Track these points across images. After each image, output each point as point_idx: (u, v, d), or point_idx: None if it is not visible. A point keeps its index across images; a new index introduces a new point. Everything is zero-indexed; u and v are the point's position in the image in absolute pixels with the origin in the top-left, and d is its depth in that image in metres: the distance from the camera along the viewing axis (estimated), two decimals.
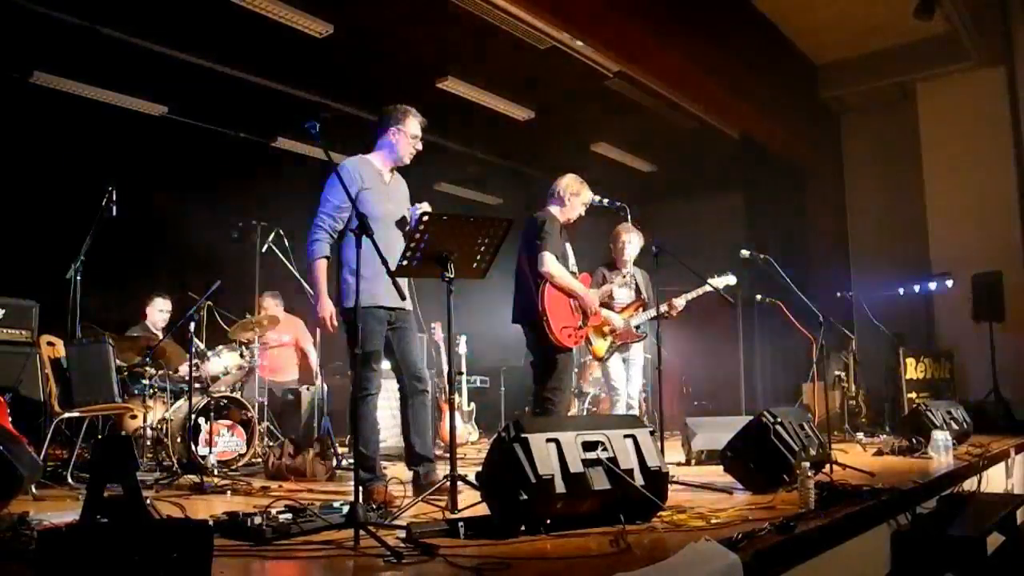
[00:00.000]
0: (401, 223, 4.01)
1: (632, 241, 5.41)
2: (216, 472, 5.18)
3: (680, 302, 5.23)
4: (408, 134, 4.02)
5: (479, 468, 2.96)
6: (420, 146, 4.09)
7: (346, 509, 2.83)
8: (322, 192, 3.91)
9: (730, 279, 5.35)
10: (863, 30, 9.05)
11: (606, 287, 5.22)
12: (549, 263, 4.47)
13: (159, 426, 5.48)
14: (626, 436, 2.99)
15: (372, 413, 3.94)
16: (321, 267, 3.86)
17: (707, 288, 5.17)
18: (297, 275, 5.82)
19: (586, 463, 2.81)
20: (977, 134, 9.30)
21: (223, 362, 5.92)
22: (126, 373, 5.57)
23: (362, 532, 2.60)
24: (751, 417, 4.03)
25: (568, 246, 4.75)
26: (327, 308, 3.85)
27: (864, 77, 9.89)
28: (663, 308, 5.11)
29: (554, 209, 4.72)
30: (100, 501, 2.11)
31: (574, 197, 4.73)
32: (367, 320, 3.74)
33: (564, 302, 4.56)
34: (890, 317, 8.60)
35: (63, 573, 1.85)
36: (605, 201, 4.76)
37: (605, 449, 2.89)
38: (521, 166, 10.15)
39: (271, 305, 6.73)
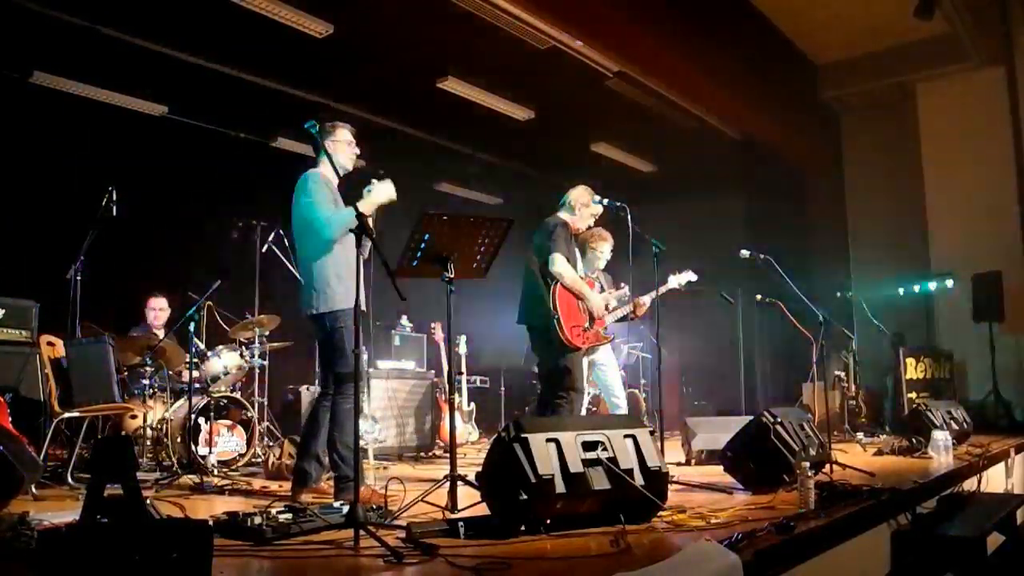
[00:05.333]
0: None
1: (607, 250, 5.38)
2: (216, 472, 5.18)
3: (646, 300, 5.18)
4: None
5: (479, 468, 2.96)
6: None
7: (346, 509, 2.83)
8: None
9: (691, 275, 5.31)
10: (863, 30, 9.03)
11: (604, 294, 5.23)
12: (560, 263, 4.58)
13: (159, 426, 5.47)
14: (626, 436, 2.99)
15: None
16: None
17: (670, 286, 5.17)
18: (296, 275, 5.81)
19: (586, 463, 2.81)
20: (977, 134, 9.27)
21: (223, 362, 5.91)
22: (126, 373, 5.57)
23: (362, 532, 2.60)
24: (751, 417, 4.04)
25: (577, 252, 4.90)
26: None
27: (864, 77, 9.86)
28: (627, 309, 5.15)
29: (564, 216, 4.82)
30: (100, 501, 2.10)
31: (584, 208, 4.84)
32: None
33: (573, 302, 4.67)
34: (890, 317, 8.59)
35: (63, 573, 1.85)
36: (605, 201, 4.81)
37: (605, 449, 2.89)
38: (521, 166, 10.14)
39: None
